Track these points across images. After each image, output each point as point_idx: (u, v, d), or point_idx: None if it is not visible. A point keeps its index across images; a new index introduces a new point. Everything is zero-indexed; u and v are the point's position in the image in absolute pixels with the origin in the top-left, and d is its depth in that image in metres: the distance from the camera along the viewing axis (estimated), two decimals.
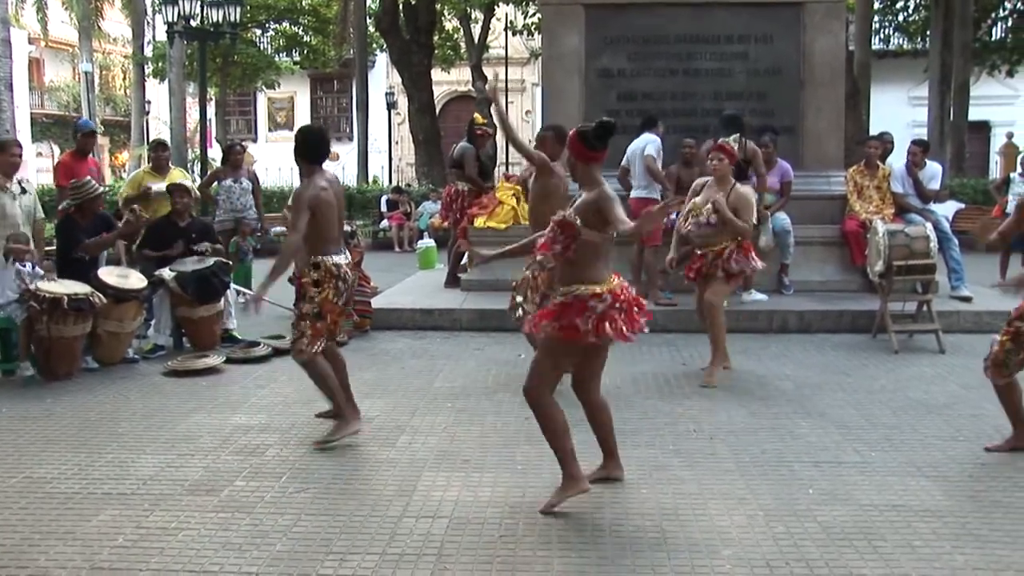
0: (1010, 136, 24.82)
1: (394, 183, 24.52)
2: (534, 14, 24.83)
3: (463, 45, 29.17)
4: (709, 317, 6.52)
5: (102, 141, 32.51)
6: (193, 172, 19.77)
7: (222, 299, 7.95)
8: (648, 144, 8.96)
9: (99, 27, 32.19)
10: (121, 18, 33.62)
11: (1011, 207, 11.72)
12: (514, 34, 28.60)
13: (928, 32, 21.86)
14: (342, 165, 27.68)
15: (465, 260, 10.17)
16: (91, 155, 8.98)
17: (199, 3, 17.43)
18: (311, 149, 5.40)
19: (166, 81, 25.37)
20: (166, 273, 7.68)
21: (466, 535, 3.85)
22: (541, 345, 4.24)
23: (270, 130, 35.88)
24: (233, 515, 4.08)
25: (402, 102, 27.34)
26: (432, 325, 8.69)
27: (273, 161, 20.97)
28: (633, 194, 8.90)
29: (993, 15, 23.71)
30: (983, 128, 27.52)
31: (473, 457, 4.88)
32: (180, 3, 17.11)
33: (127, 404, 6.08)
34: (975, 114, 22.39)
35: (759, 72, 9.98)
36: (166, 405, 6.02)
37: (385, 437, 5.25)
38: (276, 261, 5.08)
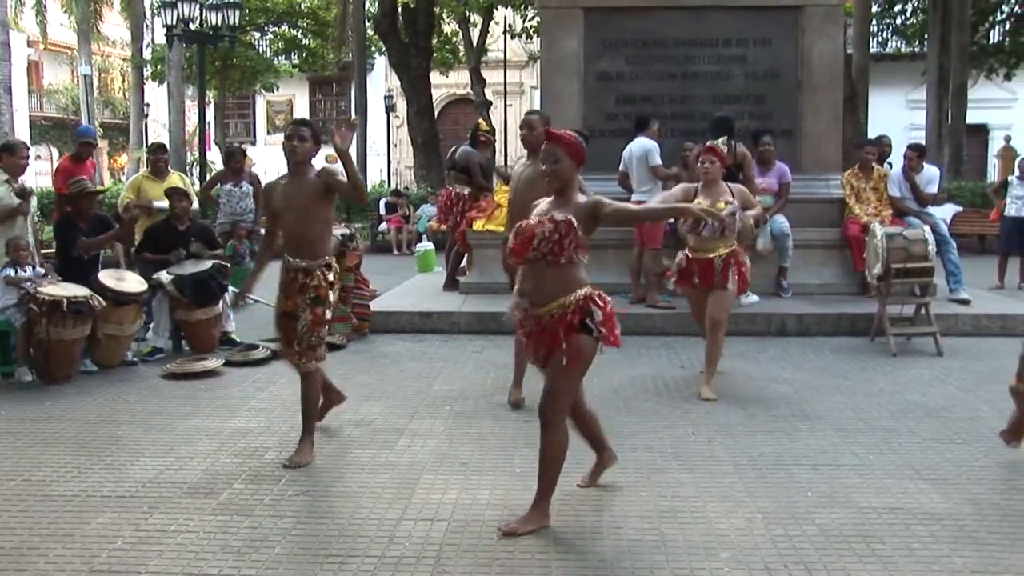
0: (1008, 139, 24.87)
1: (393, 186, 24.53)
2: (533, 17, 24.85)
3: (462, 48, 29.20)
4: (714, 333, 6.24)
5: (101, 144, 32.51)
6: (192, 175, 19.79)
7: (220, 302, 7.96)
8: (650, 151, 8.97)
9: (98, 30, 32.14)
10: (120, 21, 33.61)
11: (1008, 210, 11.76)
12: (513, 37, 28.63)
13: (926, 35, 21.88)
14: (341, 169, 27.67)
15: (464, 263, 10.20)
16: (90, 158, 9.00)
17: (198, 6, 17.46)
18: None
19: (165, 84, 25.39)
20: (164, 276, 7.69)
21: (465, 538, 3.85)
22: (565, 368, 3.90)
23: (268, 133, 35.88)
24: (232, 518, 4.08)
25: (401, 105, 27.35)
26: (431, 328, 8.69)
27: (271, 164, 20.99)
28: (634, 197, 8.91)
29: (991, 18, 23.75)
30: (981, 131, 27.57)
31: (472, 460, 4.88)
32: (179, 6, 17.13)
33: (126, 407, 6.08)
34: (973, 117, 22.42)
35: (757, 75, 9.99)
36: (165, 408, 6.02)
37: (384, 440, 5.25)
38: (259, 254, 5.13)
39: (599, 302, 3.91)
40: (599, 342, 3.91)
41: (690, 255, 6.31)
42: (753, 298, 8.84)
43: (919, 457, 4.90)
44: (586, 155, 4.11)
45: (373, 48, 28.57)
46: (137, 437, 5.34)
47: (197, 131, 21.08)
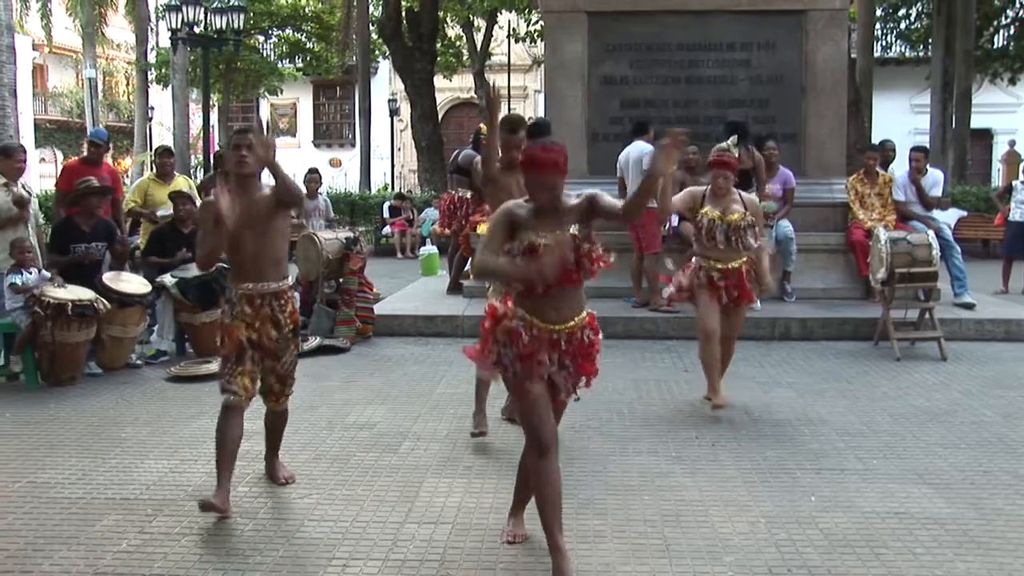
0: (1012, 144, 24.85)
1: (396, 190, 24.56)
2: (537, 21, 24.89)
3: (466, 52, 29.24)
4: (730, 346, 6.03)
5: None
6: (196, 178, 19.79)
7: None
8: (646, 156, 8.95)
9: (103, 33, 32.26)
10: (125, 24, 33.71)
11: (1013, 215, 11.75)
12: (517, 41, 28.69)
13: (930, 40, 21.89)
14: (345, 171, 27.75)
15: (468, 267, 10.21)
16: (107, 162, 8.97)
17: (202, 10, 17.52)
18: None
19: (169, 87, 25.46)
20: (167, 279, 7.70)
21: (468, 541, 3.85)
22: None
23: (273, 136, 35.91)
24: (236, 520, 4.09)
25: (404, 109, 27.39)
26: (434, 331, 8.69)
27: None
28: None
29: (995, 23, 23.74)
30: (985, 136, 27.55)
31: (475, 464, 4.89)
32: (184, 10, 17.19)
33: (130, 409, 6.09)
34: (977, 122, 22.40)
35: (761, 80, 9.99)
36: (169, 410, 6.02)
37: (387, 443, 5.26)
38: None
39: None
40: None
41: (718, 266, 5.79)
42: (755, 304, 8.83)
43: (923, 461, 4.90)
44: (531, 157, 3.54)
45: (377, 52, 28.64)
46: (141, 440, 5.35)
47: (201, 134, 21.10)
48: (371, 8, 25.75)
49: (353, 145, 30.57)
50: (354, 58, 26.74)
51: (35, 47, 33.10)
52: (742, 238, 5.75)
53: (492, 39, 28.70)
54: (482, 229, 9.74)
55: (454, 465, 4.85)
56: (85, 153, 8.80)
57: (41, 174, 28.38)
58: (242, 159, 4.22)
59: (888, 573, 3.55)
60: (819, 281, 9.52)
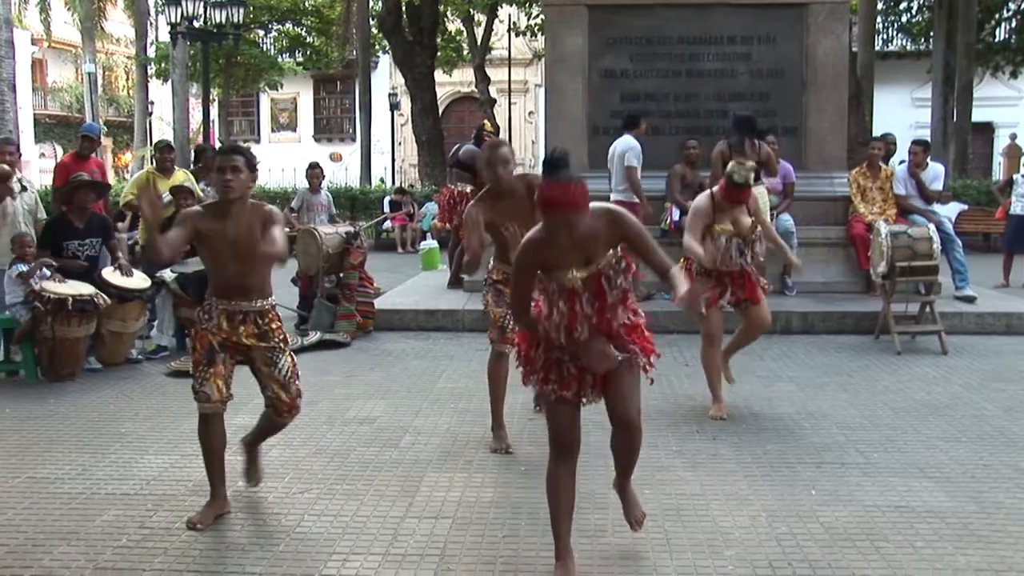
0: (1013, 137, 24.81)
1: (397, 184, 24.54)
2: (537, 15, 24.84)
3: (466, 46, 29.20)
4: (754, 335, 5.96)
5: (105, 142, 32.54)
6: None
7: None
8: (628, 151, 8.92)
9: (102, 28, 32.21)
10: (124, 19, 33.66)
11: (1014, 209, 11.73)
12: (517, 35, 28.62)
13: (931, 33, 21.83)
14: (345, 166, 27.73)
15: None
16: (94, 155, 8.95)
17: (202, 4, 17.48)
18: None
19: (169, 82, 25.41)
20: (167, 274, 7.69)
21: (469, 536, 3.85)
22: (635, 374, 3.71)
23: (273, 131, 35.93)
24: (236, 515, 4.09)
25: (405, 103, 27.38)
26: (435, 326, 8.69)
27: (276, 162, 21.00)
28: (613, 196, 8.79)
29: (997, 16, 23.68)
30: (986, 129, 27.52)
31: (476, 458, 4.88)
32: (183, 4, 17.16)
33: (130, 404, 6.09)
34: (978, 115, 22.37)
35: (762, 73, 9.96)
36: (169, 405, 6.03)
37: (388, 438, 5.26)
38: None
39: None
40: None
41: (720, 269, 5.61)
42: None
43: (923, 455, 4.90)
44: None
45: (377, 46, 28.61)
46: (141, 435, 5.35)
47: (201, 129, 21.10)
48: (371, 2, 25.70)
49: (353, 140, 30.55)
50: (354, 52, 26.70)
51: (34, 42, 33.11)
52: (754, 251, 5.57)
53: (492, 33, 28.64)
54: None
55: (455, 460, 4.85)
56: (79, 148, 8.77)
57: (41, 169, 28.34)
58: (227, 183, 3.97)
59: (889, 567, 3.55)
60: (820, 275, 9.50)
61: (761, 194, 6.33)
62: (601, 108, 10.07)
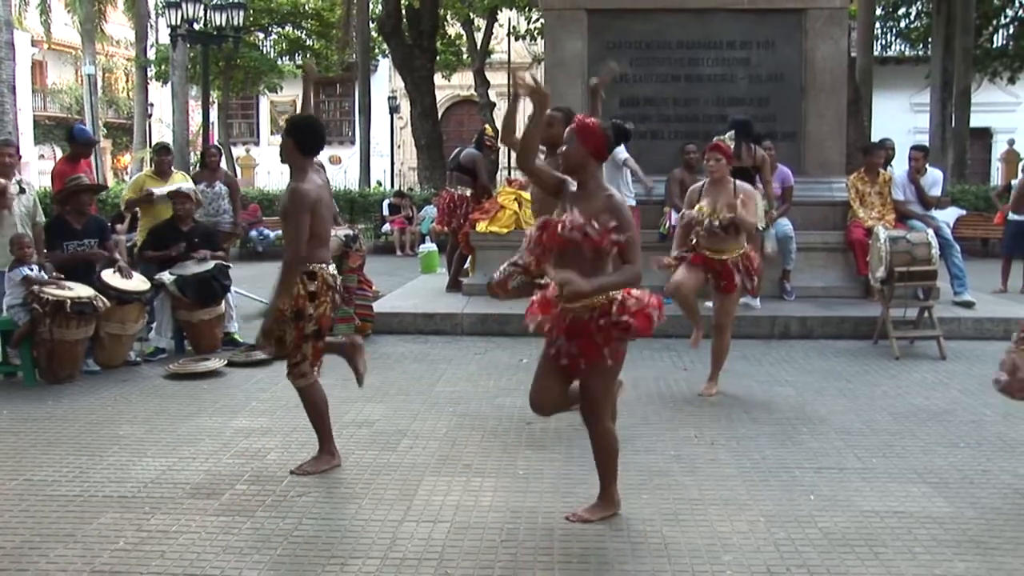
0: (1011, 143, 24.85)
1: (396, 187, 24.53)
2: (537, 19, 24.87)
3: (465, 51, 29.22)
4: (719, 336, 6.29)
5: (104, 144, 32.57)
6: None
7: (223, 302, 7.97)
8: (617, 151, 8.91)
9: (102, 30, 32.23)
10: (124, 21, 33.70)
11: (1012, 214, 11.74)
12: (517, 39, 28.66)
13: (930, 39, 21.89)
14: (344, 169, 27.71)
15: (467, 265, 10.21)
16: (85, 159, 8.94)
17: (202, 6, 17.51)
18: (313, 138, 4.73)
19: (169, 84, 25.42)
20: (166, 277, 7.69)
21: (467, 540, 3.85)
22: (604, 368, 3.91)
23: (272, 133, 35.94)
24: (234, 519, 4.08)
25: (404, 106, 27.37)
26: (434, 329, 8.69)
27: (275, 164, 21.01)
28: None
29: (995, 22, 23.74)
30: (985, 135, 27.54)
31: (474, 462, 4.88)
32: (183, 6, 17.19)
33: (128, 407, 6.09)
34: (977, 121, 22.40)
35: (761, 78, 9.97)
36: (167, 408, 6.02)
37: (386, 441, 5.25)
38: (281, 280, 4.51)
39: (629, 301, 3.86)
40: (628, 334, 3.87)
41: (706, 255, 6.15)
42: (756, 303, 8.83)
43: (922, 461, 4.90)
44: (605, 147, 3.95)
45: (377, 49, 28.62)
46: (139, 437, 5.34)
47: (201, 131, 21.11)
48: (371, 5, 25.72)
49: (353, 143, 30.54)
50: (354, 56, 26.71)
51: (34, 43, 33.12)
52: (732, 232, 6.02)
53: (492, 37, 28.67)
54: (482, 227, 9.76)
55: (453, 463, 4.85)
56: (70, 151, 8.76)
57: (40, 171, 28.35)
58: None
59: (887, 572, 3.55)
60: (818, 280, 9.51)
61: (752, 191, 6.38)
62: (601, 113, 10.04)
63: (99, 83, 32.73)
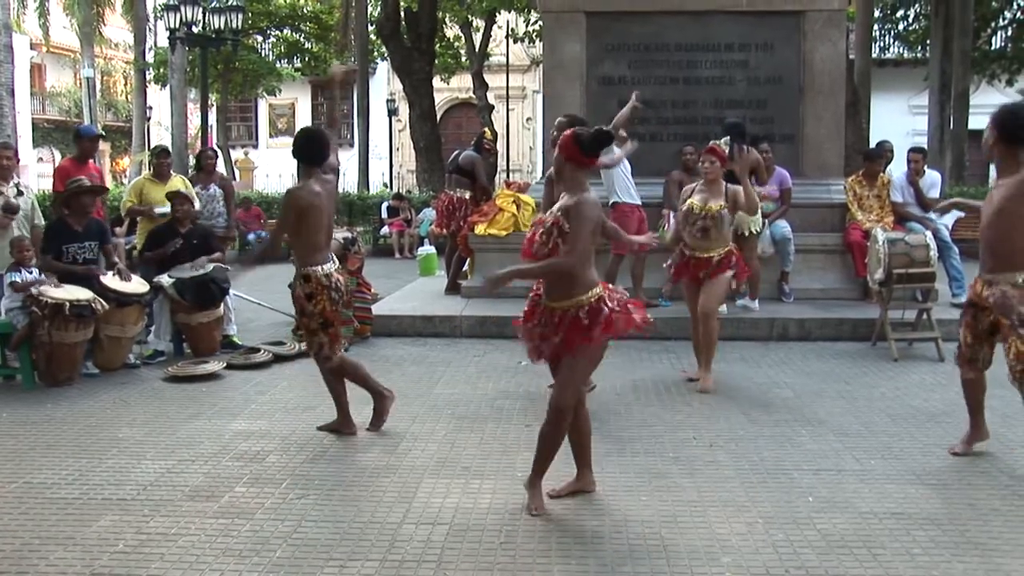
0: None
1: (394, 190, 24.55)
2: (535, 21, 24.89)
3: (464, 53, 29.23)
4: (706, 322, 6.53)
5: (103, 147, 32.54)
6: None
7: (221, 305, 7.97)
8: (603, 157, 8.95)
9: (101, 33, 32.20)
10: (123, 24, 33.67)
11: None
12: (515, 41, 28.68)
13: (928, 41, 21.89)
14: (343, 171, 27.72)
15: (466, 267, 10.21)
16: (92, 160, 8.93)
17: (201, 9, 17.50)
18: (310, 149, 5.37)
19: (167, 87, 25.43)
20: (164, 279, 7.69)
21: (466, 542, 3.85)
22: (576, 359, 4.12)
23: (271, 136, 35.96)
24: (233, 521, 4.08)
25: (403, 109, 27.38)
26: (432, 332, 8.69)
27: (274, 167, 21.02)
28: (613, 199, 8.74)
29: (993, 24, 23.77)
30: (983, 137, 27.51)
31: (473, 464, 4.88)
32: (182, 9, 17.18)
33: (127, 410, 6.09)
34: (975, 123, 22.27)
35: (759, 80, 9.99)
36: (166, 411, 6.02)
37: (385, 443, 5.25)
38: (263, 245, 5.16)
39: (608, 302, 4.08)
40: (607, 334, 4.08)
41: (687, 253, 6.57)
42: (754, 306, 8.84)
43: (920, 462, 4.90)
44: (578, 153, 4.15)
45: (375, 52, 28.63)
46: (138, 440, 5.35)
47: (199, 134, 21.09)
48: (370, 8, 25.73)
49: (351, 145, 30.55)
50: (353, 58, 26.73)
51: (33, 46, 33.08)
52: (717, 226, 6.40)
53: (491, 39, 28.67)
54: (480, 230, 9.76)
55: (452, 466, 4.85)
56: (77, 150, 8.74)
57: (39, 174, 28.35)
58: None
59: (885, 574, 3.55)
60: (817, 282, 9.52)
61: (736, 192, 6.58)
62: (599, 115, 10.02)
63: (98, 86, 32.70)
